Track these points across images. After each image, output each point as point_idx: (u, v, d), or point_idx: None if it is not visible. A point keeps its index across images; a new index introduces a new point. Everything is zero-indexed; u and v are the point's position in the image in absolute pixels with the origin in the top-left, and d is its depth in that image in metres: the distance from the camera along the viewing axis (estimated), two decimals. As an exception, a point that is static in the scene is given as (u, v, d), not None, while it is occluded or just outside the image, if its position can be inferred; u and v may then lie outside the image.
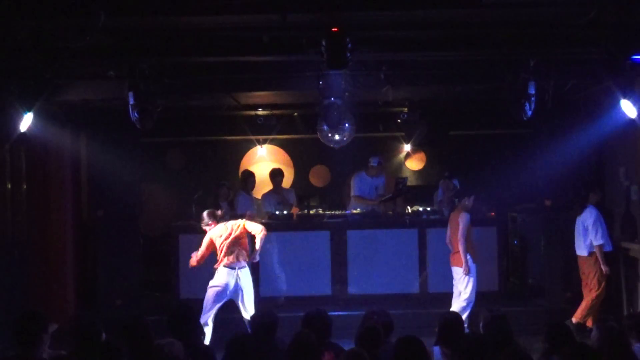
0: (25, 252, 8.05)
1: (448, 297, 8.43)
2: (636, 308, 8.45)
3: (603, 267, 8.26)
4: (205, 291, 7.70)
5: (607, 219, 9.11)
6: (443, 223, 9.36)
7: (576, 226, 8.59)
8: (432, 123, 10.32)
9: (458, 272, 8.26)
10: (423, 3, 6.05)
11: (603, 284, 8.31)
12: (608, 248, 8.37)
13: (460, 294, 8.26)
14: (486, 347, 4.50)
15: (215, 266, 7.72)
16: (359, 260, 9.48)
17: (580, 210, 8.52)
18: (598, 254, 8.28)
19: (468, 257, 8.18)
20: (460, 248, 8.19)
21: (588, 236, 8.35)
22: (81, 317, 5.29)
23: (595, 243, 8.29)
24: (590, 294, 8.33)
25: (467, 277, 8.17)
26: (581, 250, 8.51)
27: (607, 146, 9.47)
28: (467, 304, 8.18)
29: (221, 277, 7.69)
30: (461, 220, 8.22)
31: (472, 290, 8.21)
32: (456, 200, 8.52)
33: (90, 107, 9.25)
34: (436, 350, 5.04)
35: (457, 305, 8.22)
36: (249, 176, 10.34)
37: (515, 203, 10.51)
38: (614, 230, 9.18)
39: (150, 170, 11.19)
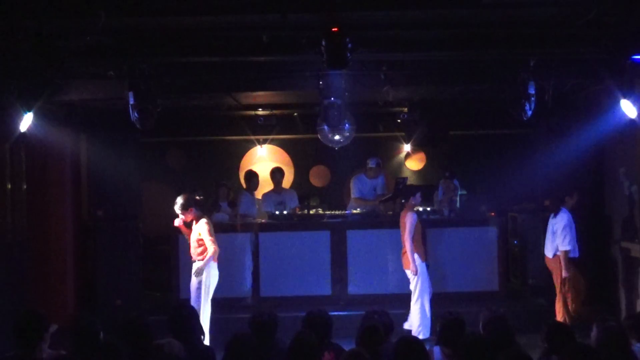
0: (25, 252, 8.04)
1: (448, 297, 8.43)
2: (636, 308, 8.44)
3: (563, 272, 8.19)
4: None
5: (606, 219, 9.10)
6: (443, 223, 9.37)
7: (548, 226, 8.54)
8: (432, 123, 10.31)
9: (409, 273, 8.25)
10: (423, 3, 6.04)
11: (567, 284, 8.21)
12: (574, 254, 8.29)
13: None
14: (486, 347, 4.50)
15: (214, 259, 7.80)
16: (359, 260, 9.48)
17: (555, 211, 8.46)
18: (562, 259, 8.20)
19: (416, 256, 8.15)
20: (407, 248, 8.16)
21: (556, 239, 8.31)
22: (81, 317, 5.29)
23: (561, 248, 8.21)
24: (559, 295, 8.28)
25: (416, 277, 8.15)
26: (547, 251, 8.48)
27: (607, 146, 9.45)
28: (421, 305, 8.12)
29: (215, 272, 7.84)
30: (407, 220, 8.19)
31: (422, 290, 8.16)
32: (403, 200, 8.48)
33: (90, 107, 9.26)
34: (436, 350, 5.04)
35: (414, 310, 8.18)
36: (253, 176, 10.37)
37: (515, 203, 10.50)
38: (614, 231, 9.17)
39: (151, 170, 11.19)
